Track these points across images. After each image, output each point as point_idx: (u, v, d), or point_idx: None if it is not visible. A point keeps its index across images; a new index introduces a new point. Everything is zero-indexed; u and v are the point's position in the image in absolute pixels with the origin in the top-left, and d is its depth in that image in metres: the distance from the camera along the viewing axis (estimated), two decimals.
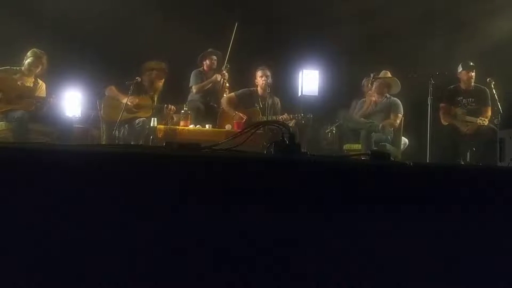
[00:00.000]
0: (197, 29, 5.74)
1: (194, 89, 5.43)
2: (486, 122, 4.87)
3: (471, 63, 5.14)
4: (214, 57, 5.50)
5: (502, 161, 1.90)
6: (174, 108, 5.02)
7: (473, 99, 5.13)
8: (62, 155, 1.10)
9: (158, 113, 5.04)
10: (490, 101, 5.03)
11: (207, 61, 5.50)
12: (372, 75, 5.28)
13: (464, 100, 5.16)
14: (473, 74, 5.11)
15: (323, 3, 6.12)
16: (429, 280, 1.18)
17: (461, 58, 5.36)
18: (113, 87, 5.06)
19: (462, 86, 5.20)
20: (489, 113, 5.05)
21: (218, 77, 5.36)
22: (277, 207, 1.13)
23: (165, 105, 4.99)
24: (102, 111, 5.06)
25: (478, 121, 4.89)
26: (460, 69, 5.17)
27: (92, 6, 5.72)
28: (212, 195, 1.10)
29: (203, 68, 5.52)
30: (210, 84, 5.40)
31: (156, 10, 5.83)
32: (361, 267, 1.15)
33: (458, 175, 1.29)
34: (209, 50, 5.54)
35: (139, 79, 4.95)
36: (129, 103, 4.83)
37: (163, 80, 5.15)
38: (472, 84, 5.15)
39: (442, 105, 5.18)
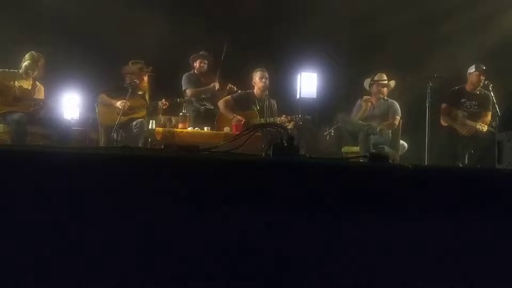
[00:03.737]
0: (192, 30, 5.74)
1: (188, 93, 5.39)
2: (485, 129, 4.86)
3: (484, 67, 5.13)
4: (205, 61, 5.48)
5: (500, 164, 1.90)
6: (167, 103, 5.03)
7: (476, 103, 5.12)
8: (61, 158, 1.10)
9: (153, 111, 5.05)
10: (491, 107, 5.03)
11: (196, 64, 5.49)
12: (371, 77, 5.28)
13: (467, 102, 5.14)
14: (483, 78, 5.10)
15: (322, 5, 6.12)
16: (428, 281, 1.18)
17: (459, 60, 5.35)
18: (103, 94, 5.07)
19: (468, 88, 5.19)
20: (489, 118, 5.05)
21: (216, 85, 5.30)
22: (276, 209, 1.13)
23: (159, 102, 5.01)
24: (98, 117, 5.09)
25: (477, 126, 4.89)
26: (472, 69, 5.14)
27: (90, 8, 5.71)
28: (211, 198, 1.11)
29: (194, 72, 5.51)
30: (206, 90, 5.36)
31: (155, 11, 5.83)
32: (361, 267, 1.15)
33: (457, 177, 1.29)
34: (201, 53, 5.52)
35: (137, 81, 4.98)
36: (120, 106, 4.84)
37: (146, 79, 5.14)
38: (479, 87, 5.14)
39: (444, 105, 5.18)
